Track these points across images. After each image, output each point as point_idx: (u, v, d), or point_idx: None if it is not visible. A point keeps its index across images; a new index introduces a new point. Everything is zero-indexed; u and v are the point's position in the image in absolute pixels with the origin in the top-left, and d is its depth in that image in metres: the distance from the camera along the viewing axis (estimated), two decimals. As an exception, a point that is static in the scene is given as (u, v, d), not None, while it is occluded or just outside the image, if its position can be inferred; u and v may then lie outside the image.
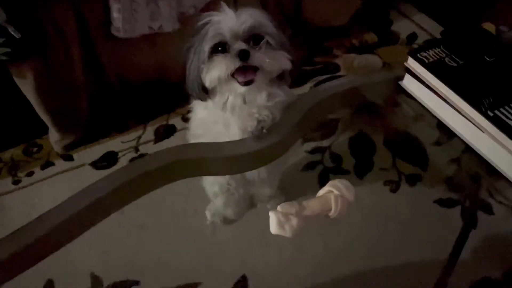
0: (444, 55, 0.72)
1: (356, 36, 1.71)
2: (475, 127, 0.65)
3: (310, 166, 1.29)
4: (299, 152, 1.31)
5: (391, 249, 1.10)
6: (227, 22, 0.72)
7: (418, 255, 1.07)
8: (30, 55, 1.16)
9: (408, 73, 0.74)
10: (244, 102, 0.76)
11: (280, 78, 0.78)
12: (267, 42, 0.73)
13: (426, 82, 0.71)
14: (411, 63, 0.73)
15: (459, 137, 0.69)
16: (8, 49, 1.10)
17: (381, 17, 1.77)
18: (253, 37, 0.73)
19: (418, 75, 0.72)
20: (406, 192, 1.23)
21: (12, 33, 1.08)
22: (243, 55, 0.71)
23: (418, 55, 0.72)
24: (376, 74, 0.80)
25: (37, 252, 0.62)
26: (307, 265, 1.09)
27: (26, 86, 1.21)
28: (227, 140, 0.72)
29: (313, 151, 1.33)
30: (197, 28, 0.76)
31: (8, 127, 1.35)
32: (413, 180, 1.25)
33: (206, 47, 0.73)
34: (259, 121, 0.70)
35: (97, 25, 1.23)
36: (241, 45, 0.72)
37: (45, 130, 1.37)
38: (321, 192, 0.61)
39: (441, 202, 1.19)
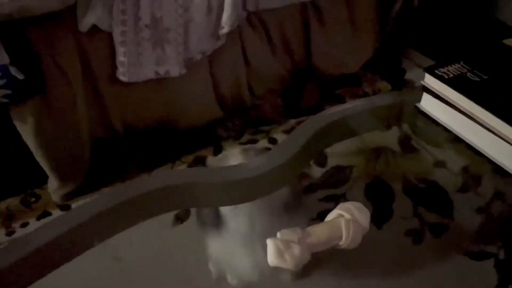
0: (465, 70, 0.65)
1: (369, 84, 1.67)
2: (507, 144, 0.56)
3: (323, 214, 1.18)
4: (312, 200, 1.21)
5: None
6: None
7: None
8: (32, 97, 1.13)
9: (425, 91, 0.66)
10: None
11: None
12: None
13: (447, 99, 0.63)
14: (428, 80, 0.65)
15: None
16: (9, 91, 1.07)
17: (393, 66, 1.74)
18: None
19: (437, 93, 0.64)
20: (431, 243, 1.10)
21: (15, 74, 1.06)
22: None
23: (436, 71, 0.65)
24: (387, 97, 0.72)
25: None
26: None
27: (27, 131, 1.17)
28: None
29: (326, 199, 1.22)
30: None
31: (7, 176, 1.30)
32: (438, 230, 1.13)
33: None
34: None
35: (102, 68, 1.21)
36: None
37: (45, 179, 1.31)
38: (330, 216, 0.52)
39: (472, 255, 1.06)
